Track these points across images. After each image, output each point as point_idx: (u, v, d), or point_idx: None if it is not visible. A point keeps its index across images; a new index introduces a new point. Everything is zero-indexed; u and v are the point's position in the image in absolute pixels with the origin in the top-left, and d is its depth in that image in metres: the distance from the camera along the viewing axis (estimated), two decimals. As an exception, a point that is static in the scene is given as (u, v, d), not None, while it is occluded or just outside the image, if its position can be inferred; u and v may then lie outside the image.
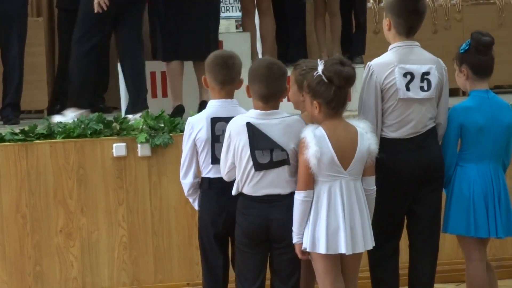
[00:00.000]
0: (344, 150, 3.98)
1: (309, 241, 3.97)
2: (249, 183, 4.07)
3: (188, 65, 6.30)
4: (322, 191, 3.99)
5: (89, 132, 5.43)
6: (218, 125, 4.24)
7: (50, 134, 5.47)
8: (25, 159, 5.37)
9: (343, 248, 3.95)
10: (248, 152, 4.04)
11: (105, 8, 5.91)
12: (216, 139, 4.25)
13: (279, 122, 4.07)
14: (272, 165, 4.05)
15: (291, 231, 4.05)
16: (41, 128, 5.47)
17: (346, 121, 4.06)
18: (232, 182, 4.15)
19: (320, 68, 3.97)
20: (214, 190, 4.26)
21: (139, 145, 5.44)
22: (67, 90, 7.38)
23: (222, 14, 7.94)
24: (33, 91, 7.07)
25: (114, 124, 5.53)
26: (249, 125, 4.03)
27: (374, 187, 4.10)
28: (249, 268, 4.14)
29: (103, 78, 7.60)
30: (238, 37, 6.83)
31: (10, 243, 5.38)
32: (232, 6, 8.48)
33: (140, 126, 5.50)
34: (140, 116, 5.72)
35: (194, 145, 4.31)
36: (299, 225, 4.01)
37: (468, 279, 4.42)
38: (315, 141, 3.94)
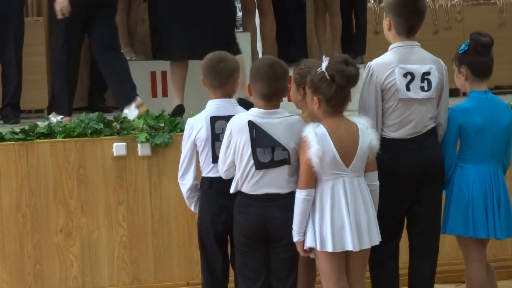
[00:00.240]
0: (346, 148, 3.99)
1: (318, 240, 3.98)
2: (249, 181, 4.07)
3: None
4: (325, 190, 3.99)
5: (89, 132, 5.43)
6: (217, 123, 4.25)
7: (50, 134, 5.47)
8: (25, 159, 5.37)
9: (349, 245, 3.96)
10: (249, 150, 4.04)
11: (67, 15, 5.91)
12: (216, 137, 4.26)
13: (281, 121, 4.07)
14: (273, 164, 4.05)
15: (289, 230, 4.05)
16: (41, 128, 5.47)
17: (347, 118, 4.07)
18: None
19: (324, 65, 3.98)
20: (215, 190, 4.26)
21: (139, 145, 5.45)
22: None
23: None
24: (33, 91, 7.07)
25: (114, 123, 5.54)
26: (251, 123, 4.04)
27: (377, 182, 4.11)
28: (249, 267, 4.14)
29: (103, 78, 7.60)
30: (239, 37, 6.81)
31: (10, 242, 5.38)
32: (233, 6, 8.45)
33: (140, 126, 5.50)
34: (135, 107, 5.72)
35: (194, 145, 4.31)
36: (300, 223, 4.01)
37: (468, 280, 4.42)
38: (316, 140, 3.94)
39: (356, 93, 4.17)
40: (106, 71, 6.14)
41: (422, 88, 4.28)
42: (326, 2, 7.17)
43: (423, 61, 4.33)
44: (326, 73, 3.97)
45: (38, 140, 5.41)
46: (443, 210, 4.45)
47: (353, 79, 3.98)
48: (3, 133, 5.42)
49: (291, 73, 4.26)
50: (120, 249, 5.47)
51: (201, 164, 4.33)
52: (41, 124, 5.55)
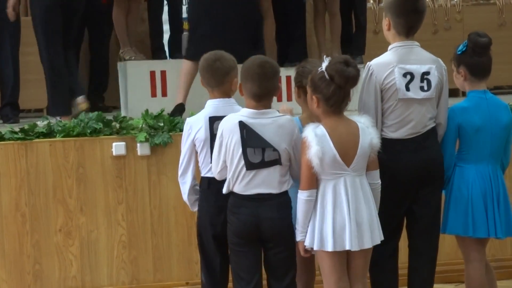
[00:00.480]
0: (346, 147, 3.99)
1: (317, 240, 3.98)
2: (240, 182, 4.07)
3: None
4: (327, 190, 4.00)
5: (88, 131, 5.43)
6: (216, 124, 4.24)
7: (49, 133, 5.46)
8: (24, 158, 5.37)
9: (349, 245, 3.96)
10: (240, 150, 4.04)
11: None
12: (214, 138, 4.24)
13: (272, 121, 4.08)
14: (264, 164, 4.05)
15: (282, 229, 4.06)
16: (40, 127, 5.47)
17: (347, 117, 4.07)
18: (232, 182, 4.16)
19: (324, 65, 3.98)
20: (214, 190, 4.25)
21: (138, 144, 5.44)
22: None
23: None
24: (32, 90, 7.08)
25: (114, 123, 5.53)
26: (241, 124, 4.04)
27: (379, 181, 4.11)
28: (243, 268, 4.13)
29: (103, 78, 7.61)
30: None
31: (10, 242, 5.38)
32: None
33: (140, 125, 5.50)
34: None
35: (193, 145, 4.31)
36: (303, 223, 4.03)
37: (467, 280, 4.42)
38: (316, 141, 3.95)
39: (355, 93, 4.18)
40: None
41: (421, 88, 4.28)
42: (326, 2, 7.17)
43: (422, 61, 4.32)
44: (326, 73, 3.98)
45: (37, 140, 5.41)
46: (442, 210, 4.45)
47: (352, 80, 3.98)
48: (3, 133, 5.41)
49: (290, 73, 4.26)
50: (119, 248, 5.47)
51: (200, 164, 4.33)
52: (41, 123, 5.54)
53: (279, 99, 4.26)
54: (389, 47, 4.38)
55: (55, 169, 5.38)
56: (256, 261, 4.15)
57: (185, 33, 7.19)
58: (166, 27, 7.34)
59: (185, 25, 7.59)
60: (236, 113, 4.11)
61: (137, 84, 6.55)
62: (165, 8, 7.41)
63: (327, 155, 3.96)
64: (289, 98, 6.29)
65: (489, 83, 4.55)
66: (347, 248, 3.97)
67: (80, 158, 5.41)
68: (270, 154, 4.05)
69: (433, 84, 4.30)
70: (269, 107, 4.12)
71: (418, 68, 4.29)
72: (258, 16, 6.41)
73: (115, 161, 5.44)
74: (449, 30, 7.78)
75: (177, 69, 6.51)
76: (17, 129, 5.44)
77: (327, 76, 3.97)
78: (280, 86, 4.21)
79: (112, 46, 7.67)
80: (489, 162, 4.38)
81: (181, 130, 5.20)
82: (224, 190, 4.14)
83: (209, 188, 4.29)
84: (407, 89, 4.27)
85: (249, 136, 4.02)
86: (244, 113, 4.09)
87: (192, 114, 4.58)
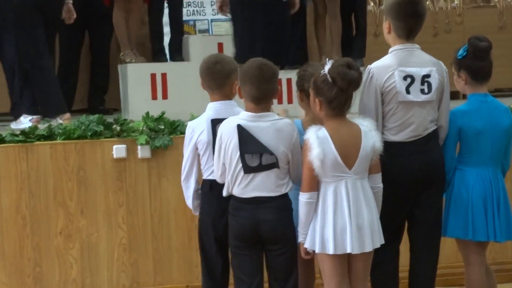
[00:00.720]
0: (348, 150, 3.99)
1: (318, 243, 3.99)
2: (239, 185, 4.08)
3: (194, 68, 6.26)
4: (328, 192, 4.00)
5: (89, 134, 5.43)
6: (218, 126, 4.24)
7: (50, 136, 5.46)
8: (25, 161, 5.36)
9: (350, 248, 3.96)
10: (238, 154, 4.05)
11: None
12: (216, 140, 4.26)
13: (270, 124, 4.08)
14: (261, 168, 4.06)
15: (282, 231, 4.07)
16: (41, 130, 5.47)
17: (349, 120, 4.07)
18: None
19: (327, 67, 3.99)
20: (216, 193, 4.25)
21: (139, 147, 5.44)
22: (67, 92, 7.42)
23: (222, 16, 7.95)
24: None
25: (114, 126, 5.53)
26: (239, 128, 4.05)
27: (381, 185, 4.12)
28: (244, 271, 4.14)
29: (103, 80, 7.61)
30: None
31: (10, 245, 5.38)
32: (233, 8, 8.46)
33: (140, 128, 5.50)
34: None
35: (196, 148, 4.32)
36: (304, 225, 4.04)
37: (468, 283, 4.42)
38: (318, 143, 3.95)
39: (356, 96, 4.18)
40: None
41: (422, 91, 4.28)
42: (327, 4, 7.17)
43: (423, 63, 4.32)
44: (328, 76, 3.98)
45: (38, 142, 5.40)
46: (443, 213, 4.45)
47: (354, 82, 3.98)
48: (3, 135, 5.41)
49: (290, 75, 4.26)
50: (119, 251, 5.47)
51: (202, 167, 4.33)
52: (41, 126, 5.55)
53: (280, 101, 4.26)
54: (390, 50, 4.39)
55: (55, 171, 5.38)
56: (257, 264, 4.15)
57: (186, 36, 7.20)
58: (166, 30, 7.33)
59: (186, 28, 7.61)
60: (235, 116, 4.12)
61: (138, 86, 6.55)
62: (166, 11, 7.41)
63: (328, 158, 3.97)
64: (289, 101, 6.29)
65: (489, 86, 4.56)
66: (348, 251, 3.97)
67: (80, 161, 5.41)
68: (268, 157, 4.05)
69: (434, 87, 4.30)
70: (268, 109, 4.13)
71: (418, 71, 4.29)
72: (287, 19, 6.54)
73: (116, 164, 5.44)
74: (449, 32, 7.77)
75: (178, 72, 6.51)
76: (17, 132, 5.45)
77: (329, 79, 3.98)
78: (279, 88, 4.21)
79: (112, 48, 7.67)
80: (489, 166, 4.38)
81: (182, 133, 5.22)
82: (224, 193, 4.15)
83: (211, 190, 4.29)
84: (408, 92, 4.27)
85: (246, 140, 4.03)
86: (243, 116, 4.09)
87: (193, 117, 4.58)
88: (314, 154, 3.95)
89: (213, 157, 4.24)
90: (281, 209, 4.07)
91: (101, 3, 7.11)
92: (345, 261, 4.05)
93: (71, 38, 7.46)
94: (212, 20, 8.26)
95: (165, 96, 6.58)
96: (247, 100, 4.10)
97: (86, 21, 7.45)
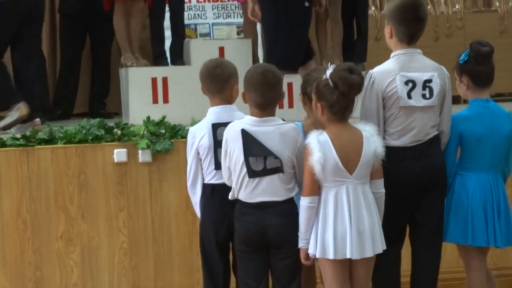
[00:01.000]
0: (349, 155, 3.99)
1: (319, 247, 3.99)
2: (245, 189, 4.09)
3: (195, 72, 6.26)
4: (329, 197, 4.00)
5: (90, 138, 5.43)
6: (219, 130, 4.27)
7: (51, 140, 5.47)
8: (26, 165, 5.36)
9: (349, 253, 3.95)
10: (242, 158, 4.05)
11: None
12: (218, 144, 4.27)
13: (274, 129, 4.08)
14: (266, 172, 4.06)
15: (288, 236, 4.07)
16: (42, 133, 5.47)
17: (351, 125, 4.07)
18: (235, 189, 4.16)
19: (329, 72, 3.99)
20: (217, 197, 4.26)
21: (140, 151, 5.44)
22: (68, 96, 7.43)
23: (223, 20, 7.95)
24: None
25: (116, 130, 5.53)
26: (243, 132, 4.05)
27: (383, 190, 4.11)
28: (250, 275, 4.14)
29: (104, 84, 7.61)
30: (240, 44, 6.83)
31: (11, 248, 5.38)
32: (234, 12, 8.49)
33: (141, 132, 5.50)
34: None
35: (198, 153, 4.32)
36: (305, 230, 4.03)
37: (469, 288, 4.42)
38: (318, 147, 3.95)
39: (358, 101, 4.18)
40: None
41: (423, 96, 4.28)
42: (328, 9, 7.16)
43: (424, 68, 4.32)
44: (330, 80, 3.98)
45: (39, 146, 5.41)
46: (444, 218, 4.45)
47: (356, 87, 3.98)
48: (4, 139, 5.41)
49: (291, 80, 4.26)
50: (120, 255, 5.46)
51: (204, 171, 4.34)
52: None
53: (281, 106, 4.26)
54: (391, 55, 4.39)
55: (56, 175, 5.38)
56: (263, 269, 4.15)
57: (187, 40, 7.19)
58: (167, 34, 7.33)
59: (187, 32, 7.60)
60: (240, 121, 4.12)
61: (139, 90, 6.54)
62: (167, 15, 7.41)
63: (329, 162, 3.96)
64: (290, 105, 6.29)
65: (490, 90, 4.54)
66: (348, 256, 3.97)
67: (81, 165, 5.41)
68: (272, 161, 4.05)
69: (435, 92, 4.30)
70: (273, 114, 4.13)
71: (420, 76, 4.29)
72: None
73: (117, 168, 5.44)
74: (450, 37, 7.77)
75: (179, 76, 6.51)
76: (18, 136, 5.45)
77: (331, 84, 3.98)
78: (283, 93, 4.21)
79: (114, 52, 7.67)
80: (490, 171, 4.38)
81: (183, 137, 5.22)
82: (230, 197, 4.15)
83: (213, 194, 4.30)
84: (409, 97, 4.27)
85: (250, 144, 4.03)
86: (248, 121, 4.09)
87: (193, 122, 4.58)
88: (315, 158, 3.95)
89: (214, 161, 4.25)
90: (287, 214, 4.07)
91: (101, 7, 7.11)
92: (346, 266, 4.05)
93: (72, 42, 7.46)
94: (213, 24, 8.26)
95: (166, 100, 6.57)
96: (252, 106, 4.11)
97: (87, 24, 7.45)
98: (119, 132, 5.53)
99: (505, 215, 4.36)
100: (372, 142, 4.04)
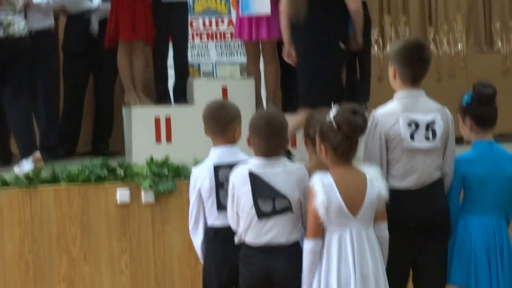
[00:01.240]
0: (353, 198, 3.98)
1: None
2: (252, 231, 4.07)
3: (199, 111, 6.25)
4: (332, 240, 3.98)
5: (93, 178, 5.43)
6: (221, 172, 4.26)
7: (54, 180, 5.46)
8: (28, 206, 5.36)
9: None
10: (251, 200, 4.03)
11: None
12: (220, 186, 4.26)
13: (281, 170, 4.08)
14: (275, 213, 4.04)
15: (293, 281, 4.03)
16: (45, 173, 5.47)
17: (355, 167, 4.06)
18: (239, 231, 4.15)
19: (332, 113, 3.99)
20: (219, 240, 4.24)
21: (142, 192, 5.44)
22: (72, 134, 7.43)
23: (226, 59, 7.97)
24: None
25: (119, 171, 5.52)
26: (251, 174, 4.04)
27: (387, 234, 4.08)
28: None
29: (107, 123, 7.61)
30: (242, 83, 6.85)
31: (13, 290, 5.36)
32: (237, 51, 8.51)
33: (144, 173, 5.50)
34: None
35: (200, 195, 4.31)
36: (308, 274, 4.00)
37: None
38: (323, 190, 3.94)
39: (362, 142, 4.17)
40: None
41: (426, 138, 4.27)
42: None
43: (427, 110, 4.32)
44: (334, 122, 3.98)
45: (42, 187, 5.40)
46: (447, 261, 4.42)
47: (359, 129, 3.98)
48: (8, 179, 5.41)
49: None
50: (122, 297, 5.44)
51: (206, 213, 4.32)
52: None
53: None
54: (395, 96, 4.39)
55: (59, 217, 5.37)
56: None
57: (191, 79, 7.20)
58: (171, 72, 7.35)
59: (190, 70, 7.61)
60: (245, 165, 4.11)
61: (142, 129, 6.55)
62: (170, 53, 7.43)
63: (333, 205, 3.95)
64: (293, 144, 6.30)
65: (493, 131, 4.54)
66: (353, 301, 3.94)
67: (84, 206, 5.40)
68: (281, 202, 4.04)
69: (438, 134, 4.30)
70: (279, 155, 4.12)
71: (423, 117, 4.29)
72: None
73: (119, 209, 5.43)
74: (453, 77, 7.79)
75: (182, 115, 6.52)
76: (21, 176, 5.44)
77: (334, 126, 3.97)
78: (289, 140, 4.21)
79: (117, 91, 7.69)
80: (493, 214, 4.36)
81: (186, 178, 5.21)
82: (236, 241, 4.14)
83: (215, 237, 4.28)
84: (412, 138, 4.26)
85: (259, 186, 4.02)
86: (253, 164, 4.09)
87: (196, 162, 4.58)
88: (319, 201, 3.94)
89: (216, 203, 4.24)
90: (293, 258, 4.05)
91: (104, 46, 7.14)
92: (350, 311, 4.01)
93: (75, 81, 7.47)
94: (216, 63, 8.28)
95: (169, 140, 6.58)
96: (256, 152, 4.10)
97: (90, 64, 7.47)
98: (122, 172, 5.52)
99: (508, 260, 4.33)
100: (376, 185, 4.02)
